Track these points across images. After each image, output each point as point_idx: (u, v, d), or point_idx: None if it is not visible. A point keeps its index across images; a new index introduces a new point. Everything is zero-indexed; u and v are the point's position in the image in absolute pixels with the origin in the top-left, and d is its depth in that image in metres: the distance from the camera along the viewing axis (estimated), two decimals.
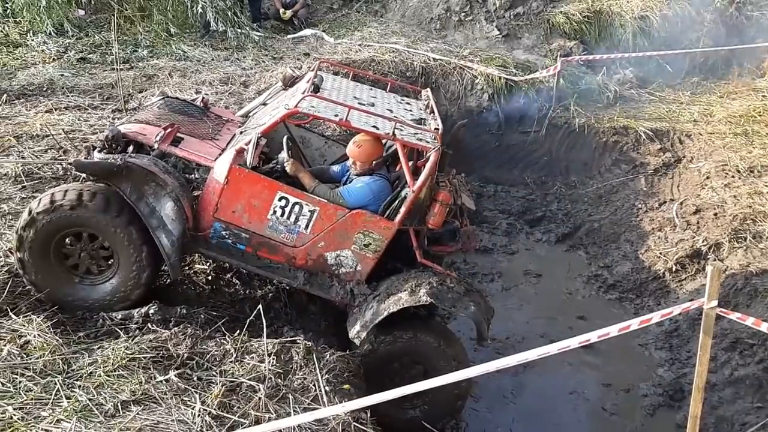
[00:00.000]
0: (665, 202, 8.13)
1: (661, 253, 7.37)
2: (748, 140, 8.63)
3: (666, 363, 6.40)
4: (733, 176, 7.90)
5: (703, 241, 7.10)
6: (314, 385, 4.25)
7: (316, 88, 5.02)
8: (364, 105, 5.14)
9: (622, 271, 7.51)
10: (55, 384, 3.95)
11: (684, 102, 9.89)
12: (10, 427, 3.63)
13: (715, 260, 6.82)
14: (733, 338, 6.01)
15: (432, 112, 5.51)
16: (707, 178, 8.02)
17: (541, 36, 10.61)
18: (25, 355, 4.16)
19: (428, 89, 6.09)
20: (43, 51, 9.25)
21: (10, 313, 4.49)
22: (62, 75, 8.59)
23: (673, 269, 7.11)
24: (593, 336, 3.43)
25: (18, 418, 3.68)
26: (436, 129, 5.06)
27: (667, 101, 9.95)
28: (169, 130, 4.94)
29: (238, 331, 4.57)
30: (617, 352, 6.48)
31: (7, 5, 9.75)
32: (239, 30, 10.21)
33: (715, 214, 7.33)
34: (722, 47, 10.43)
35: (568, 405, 6.04)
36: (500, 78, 9.35)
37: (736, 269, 6.46)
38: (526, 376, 6.21)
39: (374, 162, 5.11)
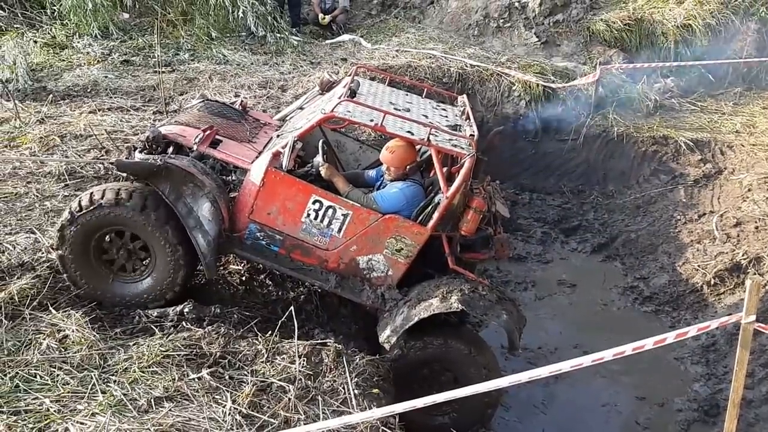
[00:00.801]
0: (705, 214, 7.97)
1: (699, 266, 7.23)
2: None
3: (702, 378, 6.26)
4: None
5: (743, 255, 6.94)
6: (343, 388, 4.28)
7: (352, 93, 5.06)
8: (399, 110, 5.16)
9: (659, 284, 7.38)
10: (92, 378, 4.05)
11: (726, 112, 9.69)
12: (46, 419, 3.72)
13: (755, 274, 6.66)
14: None
15: (468, 118, 5.50)
16: (749, 190, 7.85)
17: (581, 43, 10.50)
18: (63, 349, 4.27)
19: (464, 95, 6.08)
20: (88, 53, 9.48)
21: (51, 308, 4.61)
22: (106, 77, 8.80)
23: (712, 282, 6.97)
24: (628, 348, 3.38)
25: (54, 411, 3.78)
26: (471, 135, 5.05)
27: (709, 111, 9.77)
28: (208, 132, 5.04)
29: (270, 332, 4.63)
30: (652, 366, 6.36)
31: (54, 8, 10.02)
32: (278, 35, 10.33)
33: (756, 228, 7.17)
34: (766, 58, 10.18)
35: (600, 418, 5.95)
36: (538, 85, 9.28)
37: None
38: (558, 387, 6.13)
39: (408, 167, 5.12)
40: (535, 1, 10.56)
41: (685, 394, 6.15)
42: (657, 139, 9.03)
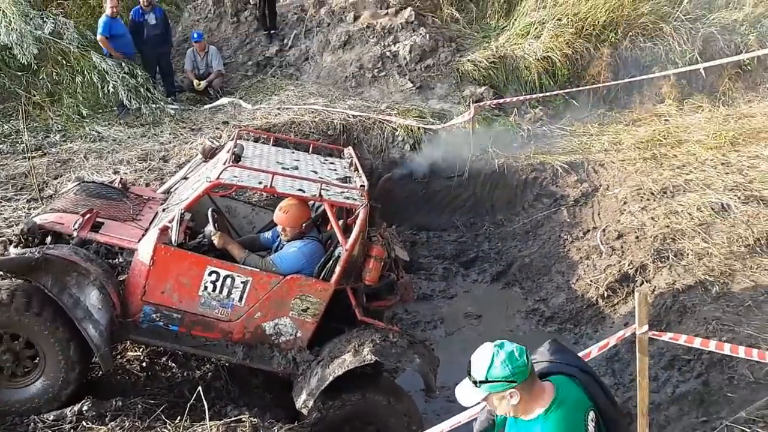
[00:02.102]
0: (589, 230, 8.39)
1: (591, 281, 7.58)
2: (658, 163, 9.09)
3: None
4: (648, 199, 8.26)
5: (629, 265, 7.34)
6: None
7: (237, 158, 5.00)
8: (287, 169, 5.15)
9: (558, 303, 7.67)
10: None
11: (594, 133, 10.31)
12: None
13: (642, 283, 7.06)
14: (671, 356, 6.18)
15: (356, 169, 5.57)
16: (624, 203, 8.36)
17: (453, 84, 10.94)
18: None
19: (350, 147, 6.17)
20: None
21: None
22: None
23: (605, 295, 7.31)
24: None
25: None
26: (362, 186, 5.11)
27: (578, 134, 10.35)
28: (88, 216, 4.81)
29: (179, 418, 4.39)
30: None
31: None
32: (154, 105, 10.08)
33: (637, 237, 7.63)
34: (621, 80, 11.02)
35: None
36: (419, 128, 9.57)
37: (664, 288, 6.71)
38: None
39: (304, 225, 5.09)
40: (404, 50, 10.96)
41: None
42: (535, 166, 9.47)
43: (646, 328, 3.39)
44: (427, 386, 4.95)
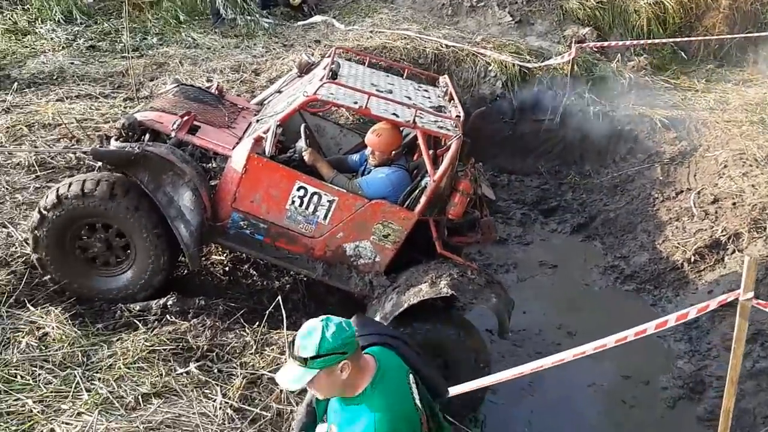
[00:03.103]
0: (682, 191, 8.01)
1: (679, 244, 7.28)
2: (766, 128, 8.52)
3: (686, 355, 6.32)
4: (750, 165, 7.79)
5: (722, 231, 7.00)
6: None
7: (334, 75, 4.93)
8: (382, 92, 5.05)
9: (639, 262, 7.42)
10: (75, 376, 3.92)
11: (699, 89, 9.75)
12: (30, 421, 3.60)
13: (734, 252, 6.74)
14: (755, 330, 5.93)
15: (451, 99, 5.42)
16: (725, 167, 7.90)
17: (555, 22, 10.47)
18: (44, 348, 4.14)
19: (446, 76, 5.99)
20: (52, 39, 9.15)
21: (28, 305, 4.45)
22: (72, 63, 8.51)
23: (692, 260, 7.01)
24: (630, 333, 3.34)
25: (38, 411, 3.65)
26: (457, 116, 4.97)
27: (682, 88, 9.82)
28: (186, 118, 4.87)
29: (257, 323, 4.53)
30: (635, 344, 6.24)
31: None
32: (249, 17, 10.09)
33: (734, 204, 7.24)
34: (737, 35, 10.27)
35: (587, 397, 5.98)
36: (514, 65, 9.23)
37: (758, 259, 6.37)
38: (544, 369, 6.13)
39: (393, 152, 5.02)
40: None
41: (669, 371, 6.19)
42: (632, 118, 9.04)
43: (751, 294, 3.21)
44: (501, 326, 4.91)
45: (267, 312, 4.58)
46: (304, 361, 2.30)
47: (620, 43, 9.87)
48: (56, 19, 9.43)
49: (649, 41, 10.03)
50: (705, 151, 8.37)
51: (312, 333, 2.32)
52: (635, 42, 10.03)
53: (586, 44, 9.72)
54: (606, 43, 9.87)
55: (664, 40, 10.06)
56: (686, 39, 10.10)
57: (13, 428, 3.53)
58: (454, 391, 3.50)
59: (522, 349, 6.21)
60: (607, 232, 8.05)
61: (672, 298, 6.81)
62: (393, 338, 2.65)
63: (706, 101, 9.34)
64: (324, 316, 2.37)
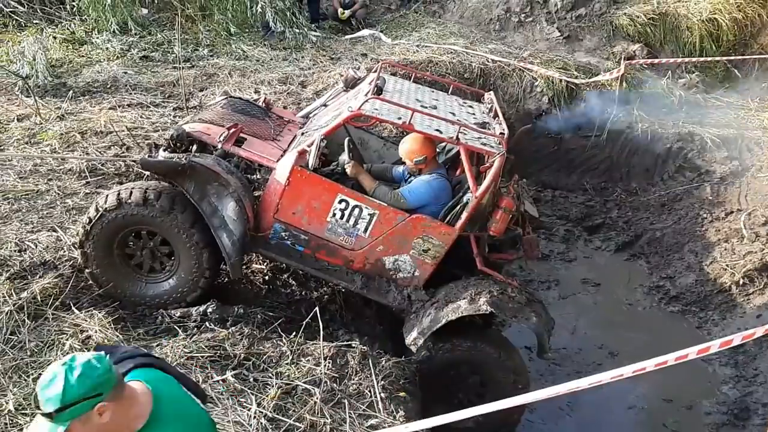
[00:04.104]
0: (732, 212, 7.80)
1: (727, 265, 7.08)
2: None
3: (731, 380, 6.14)
4: None
5: None
6: (370, 391, 4.21)
7: (379, 90, 4.96)
8: (426, 108, 5.06)
9: (686, 283, 7.24)
10: None
11: (753, 108, 9.49)
12: None
13: None
14: None
15: (496, 115, 5.38)
16: None
17: (604, 38, 10.34)
18: (86, 350, 4.22)
19: (491, 92, 5.96)
20: (107, 49, 9.43)
21: (73, 308, 4.56)
22: (125, 73, 8.75)
23: (740, 282, 6.83)
24: (671, 358, 3.25)
25: None
26: (501, 133, 4.94)
27: (735, 107, 9.57)
28: (233, 130, 4.95)
29: (294, 333, 4.56)
30: (679, 367, 6.14)
31: (73, 3, 9.99)
32: (297, 30, 10.23)
33: None
34: None
35: (626, 419, 5.85)
36: (561, 80, 9.14)
37: None
38: (583, 389, 6.01)
39: (414, 160, 5.00)
40: None
41: (713, 396, 6.03)
42: (682, 136, 8.86)
43: None
44: (541, 347, 4.85)
45: (304, 322, 4.60)
46: (50, 416, 1.95)
47: (671, 60, 9.69)
48: (112, 30, 9.72)
49: (702, 59, 9.80)
50: (757, 172, 8.15)
51: (53, 381, 1.96)
52: (687, 59, 9.82)
53: (635, 60, 9.57)
54: (657, 60, 9.70)
55: (717, 58, 9.82)
56: (740, 57, 9.84)
57: None
58: (489, 408, 3.44)
59: (561, 369, 6.12)
60: (652, 252, 7.89)
61: (718, 321, 6.62)
62: (145, 356, 2.39)
63: (760, 120, 9.08)
64: (69, 357, 2.01)
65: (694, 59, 9.82)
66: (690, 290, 7.16)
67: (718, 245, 7.42)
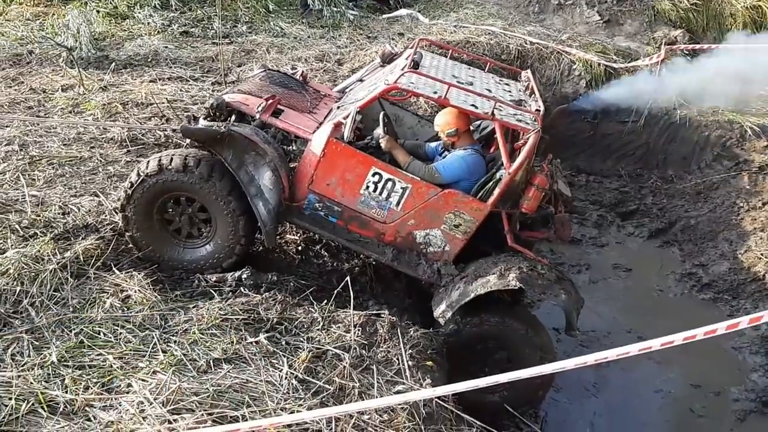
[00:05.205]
0: None
1: (762, 255, 6.99)
2: None
3: (761, 368, 6.09)
4: None
5: None
6: (397, 359, 4.28)
7: (415, 65, 4.99)
8: (462, 83, 5.07)
9: (719, 271, 7.16)
10: (153, 338, 4.13)
11: None
12: (109, 375, 3.82)
13: None
14: None
15: (532, 93, 5.38)
16: None
17: (645, 23, 10.19)
18: (126, 309, 4.37)
19: (528, 70, 5.95)
20: (148, 24, 9.62)
21: (114, 269, 4.72)
22: (166, 47, 8.92)
23: None
24: (700, 332, 3.24)
25: (117, 367, 3.87)
26: (537, 110, 4.94)
27: None
28: (271, 101, 5.04)
29: (325, 301, 4.65)
30: (708, 353, 6.20)
31: None
32: (335, 9, 10.29)
33: None
34: None
35: (653, 403, 5.84)
36: (599, 64, 9.05)
37: None
38: (610, 371, 6.02)
39: (447, 132, 5.04)
40: None
41: (742, 383, 5.98)
42: (721, 124, 8.71)
43: None
44: (569, 324, 4.87)
45: (335, 292, 4.69)
46: None
47: (713, 46, 9.48)
48: (153, 5, 9.90)
49: (744, 46, 9.58)
50: None
51: None
52: (730, 46, 9.60)
53: (676, 46, 9.41)
54: (698, 46, 9.52)
55: (760, 45, 9.57)
56: None
57: (95, 380, 3.76)
58: (512, 376, 3.49)
59: (588, 350, 6.11)
60: (686, 239, 7.80)
61: (750, 310, 6.54)
62: None
63: None
64: None
65: (736, 46, 9.59)
66: (723, 278, 7.08)
67: (754, 234, 7.32)
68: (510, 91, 5.39)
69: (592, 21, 10.19)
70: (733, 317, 6.64)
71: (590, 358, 3.40)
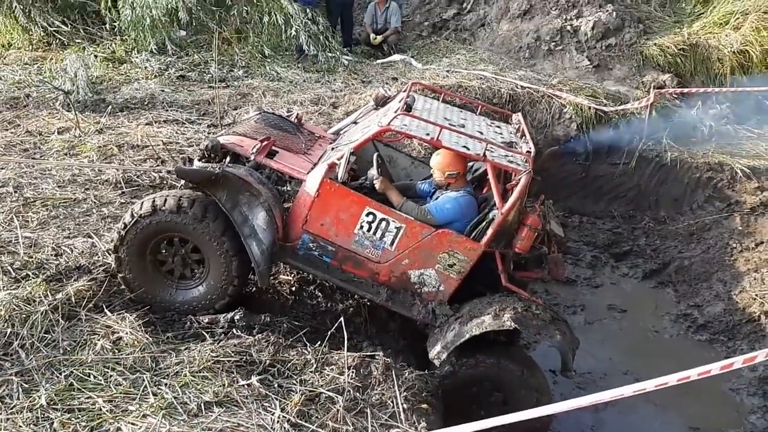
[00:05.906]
0: (762, 242, 7.72)
1: (757, 295, 6.99)
2: None
3: (759, 410, 6.04)
4: None
5: None
6: (392, 402, 4.22)
7: (408, 107, 5.07)
8: (454, 126, 5.14)
9: (714, 312, 7.15)
10: (143, 380, 4.07)
11: None
12: (98, 418, 3.76)
13: None
14: None
15: (523, 135, 5.45)
16: None
17: (633, 68, 10.38)
18: (116, 351, 4.32)
19: (519, 113, 6.04)
20: (145, 68, 9.74)
21: (105, 310, 4.67)
22: (162, 91, 9.02)
23: None
24: (692, 373, 3.23)
25: (107, 410, 3.81)
26: (528, 152, 5.00)
27: (766, 139, 9.48)
28: (265, 143, 5.09)
29: (319, 342, 4.61)
30: (706, 395, 6.15)
31: (114, 24, 10.36)
32: (330, 54, 10.47)
33: None
34: None
35: None
36: (590, 108, 9.18)
37: None
38: (607, 414, 5.96)
39: (447, 173, 5.06)
40: (587, 25, 10.52)
41: (740, 426, 5.93)
42: (712, 166, 8.80)
43: None
44: (564, 365, 4.84)
45: (329, 333, 4.65)
46: None
47: (701, 90, 9.67)
48: (150, 49, 10.03)
49: (732, 89, 9.77)
50: None
51: None
52: (717, 89, 9.80)
53: (665, 90, 9.58)
54: (686, 90, 9.69)
55: (748, 89, 9.77)
56: None
57: (83, 424, 3.69)
58: (509, 419, 3.45)
59: (585, 392, 6.03)
60: (680, 280, 7.81)
61: (746, 351, 6.50)
62: None
63: None
64: None
65: (724, 90, 9.79)
66: (718, 319, 7.07)
67: (748, 275, 7.34)
68: (501, 134, 5.46)
69: (582, 66, 10.38)
70: (729, 358, 6.63)
71: (585, 401, 3.37)
